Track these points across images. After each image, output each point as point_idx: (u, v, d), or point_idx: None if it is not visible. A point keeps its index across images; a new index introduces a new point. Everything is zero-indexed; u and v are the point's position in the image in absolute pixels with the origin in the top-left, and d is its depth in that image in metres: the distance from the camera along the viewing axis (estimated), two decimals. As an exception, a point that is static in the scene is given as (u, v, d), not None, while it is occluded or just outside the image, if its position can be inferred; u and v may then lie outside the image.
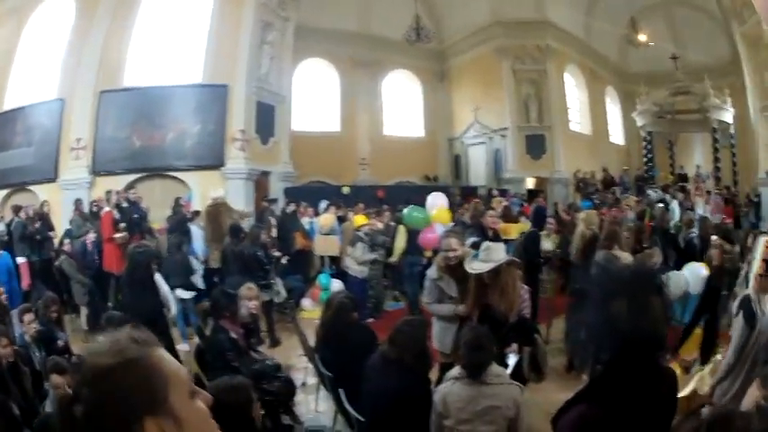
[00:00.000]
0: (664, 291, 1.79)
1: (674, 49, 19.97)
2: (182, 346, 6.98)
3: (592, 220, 6.86)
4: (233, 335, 4.80)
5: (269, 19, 14.49)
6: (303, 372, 6.20)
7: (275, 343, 7.55)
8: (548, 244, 8.70)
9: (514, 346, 3.94)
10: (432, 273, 4.63)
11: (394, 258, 9.07)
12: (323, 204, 11.82)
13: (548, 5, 19.53)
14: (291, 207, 11.65)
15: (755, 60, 15.80)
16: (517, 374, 3.72)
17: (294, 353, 6.82)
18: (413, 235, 8.54)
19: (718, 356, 4.55)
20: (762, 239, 4.51)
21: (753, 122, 17.09)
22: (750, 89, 16.56)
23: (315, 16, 17.20)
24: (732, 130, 18.82)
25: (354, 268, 8.75)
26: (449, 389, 3.11)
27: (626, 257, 5.53)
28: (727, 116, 18.48)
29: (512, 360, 3.88)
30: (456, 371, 3.19)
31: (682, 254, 8.32)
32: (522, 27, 19.31)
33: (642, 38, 19.50)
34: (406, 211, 9.09)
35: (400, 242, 8.89)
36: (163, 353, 1.00)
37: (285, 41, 15.36)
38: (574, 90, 21.71)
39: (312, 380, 5.86)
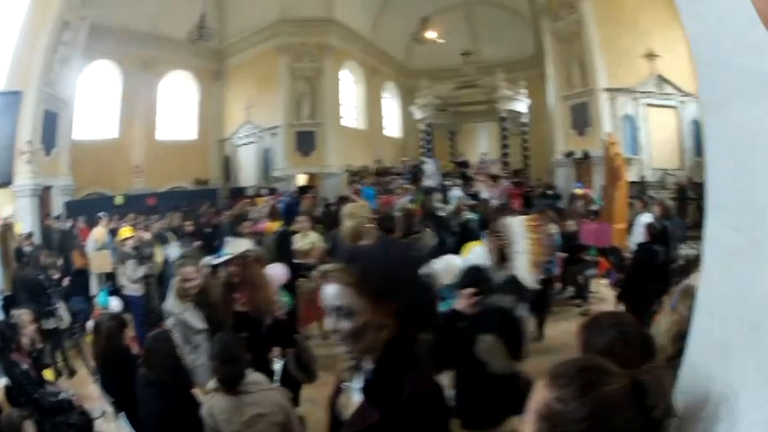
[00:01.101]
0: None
1: (468, 46, 21.12)
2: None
3: (357, 213, 6.47)
4: (24, 366, 4.63)
5: (68, 17, 13.46)
6: (100, 400, 5.38)
7: (72, 373, 7.19)
8: (305, 241, 7.83)
9: (276, 350, 3.75)
10: (172, 307, 4.15)
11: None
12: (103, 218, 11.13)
13: (337, 5, 19.86)
14: (68, 223, 11.10)
15: (564, 54, 17.37)
16: (288, 378, 3.56)
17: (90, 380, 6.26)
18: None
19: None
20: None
21: (551, 110, 18.64)
22: (553, 80, 18.06)
23: (108, 14, 16.13)
24: (525, 119, 20.00)
25: (129, 286, 8.17)
26: (211, 402, 3.01)
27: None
28: (520, 106, 19.57)
29: (277, 365, 3.70)
30: (213, 383, 3.09)
31: (459, 237, 8.06)
32: (306, 25, 19.52)
33: (430, 35, 20.29)
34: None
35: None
36: None
37: (78, 41, 14.55)
38: (352, 86, 21.99)
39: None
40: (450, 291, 4.38)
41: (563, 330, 6.96)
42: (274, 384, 3.43)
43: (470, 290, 3.26)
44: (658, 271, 5.49)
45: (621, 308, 6.26)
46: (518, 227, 4.14)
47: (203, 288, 4.10)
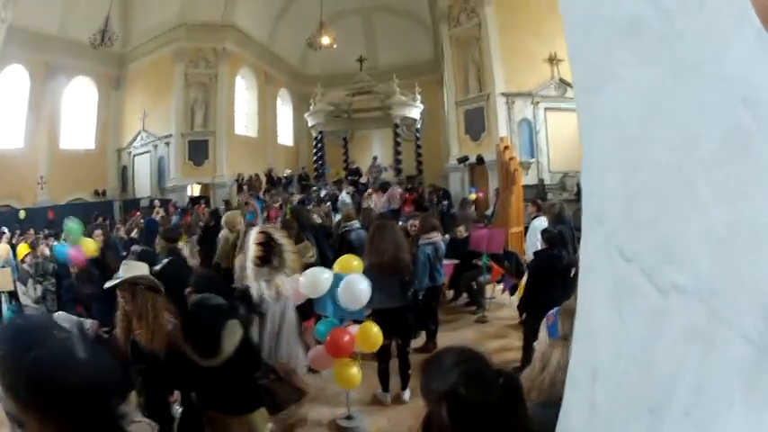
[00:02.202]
0: None
1: (365, 52, 21.02)
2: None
3: (234, 222, 6.51)
4: None
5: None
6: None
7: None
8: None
9: (176, 394, 3.41)
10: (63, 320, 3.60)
11: None
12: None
13: (237, 10, 19.60)
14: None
15: (462, 59, 17.41)
16: (190, 424, 3.25)
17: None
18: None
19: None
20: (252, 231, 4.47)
21: (446, 115, 18.88)
22: (449, 85, 18.16)
23: (24, 17, 15.51)
24: (418, 125, 19.94)
25: (32, 306, 7.75)
26: None
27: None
28: (414, 112, 19.43)
29: (177, 411, 3.38)
30: None
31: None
32: (204, 30, 19.18)
33: (325, 41, 20.36)
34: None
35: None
36: None
37: None
38: (244, 93, 21.66)
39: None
40: (321, 306, 4.45)
41: (457, 339, 6.74)
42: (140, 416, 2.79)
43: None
44: (561, 277, 5.32)
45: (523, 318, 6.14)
46: (251, 238, 4.24)
47: None
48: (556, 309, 2.08)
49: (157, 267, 5.01)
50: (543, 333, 2.11)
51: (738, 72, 0.68)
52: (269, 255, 4.21)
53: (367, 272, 4.62)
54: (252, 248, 4.21)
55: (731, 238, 0.67)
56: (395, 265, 4.91)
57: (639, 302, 0.79)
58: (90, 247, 6.64)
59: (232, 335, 3.08)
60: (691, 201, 0.70)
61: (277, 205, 13.20)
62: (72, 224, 7.17)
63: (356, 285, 4.35)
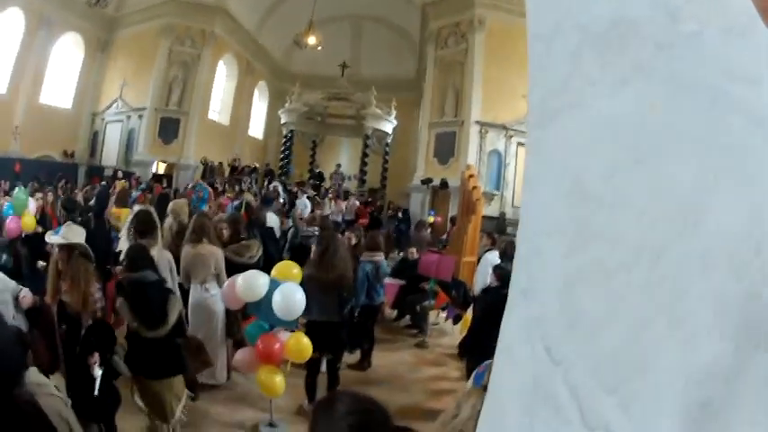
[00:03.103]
0: None
1: (348, 59, 20.93)
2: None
3: (181, 211, 6.32)
4: None
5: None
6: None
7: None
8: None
9: (96, 356, 3.45)
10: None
11: None
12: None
13: None
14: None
15: (443, 82, 17.30)
16: (110, 387, 3.48)
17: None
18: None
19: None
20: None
21: (418, 135, 18.64)
22: (425, 105, 18.01)
23: None
24: (389, 140, 19.88)
25: None
26: None
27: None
28: (387, 126, 19.38)
29: (98, 372, 3.42)
30: None
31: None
32: (195, 9, 18.91)
33: (311, 40, 20.14)
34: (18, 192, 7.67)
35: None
36: None
37: None
38: (223, 80, 21.45)
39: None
40: (254, 308, 4.42)
41: (394, 361, 6.61)
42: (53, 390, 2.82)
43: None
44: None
45: (463, 364, 5.78)
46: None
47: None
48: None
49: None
50: (470, 380, 2.01)
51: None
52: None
53: (307, 282, 4.48)
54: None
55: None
56: (338, 281, 4.82)
57: (558, 427, 0.56)
58: (28, 223, 6.57)
59: (175, 308, 3.57)
60: (668, 313, 0.47)
61: (231, 195, 12.78)
62: (21, 195, 7.21)
63: (292, 295, 4.21)
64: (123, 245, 4.85)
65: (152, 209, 5.80)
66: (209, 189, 12.28)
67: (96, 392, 3.39)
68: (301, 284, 4.35)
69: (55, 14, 18.02)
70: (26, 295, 3.67)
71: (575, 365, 0.54)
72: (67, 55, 19.43)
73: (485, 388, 1.70)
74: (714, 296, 0.46)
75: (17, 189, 7.83)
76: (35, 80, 18.20)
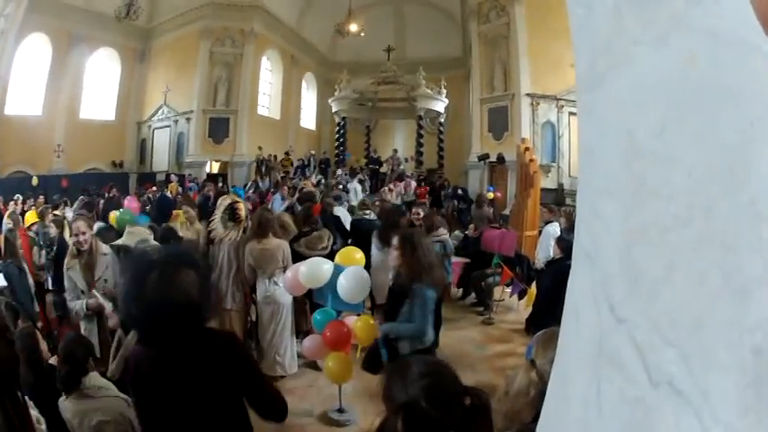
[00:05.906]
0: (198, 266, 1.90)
1: (392, 42, 20.79)
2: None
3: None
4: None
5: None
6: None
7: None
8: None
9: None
10: (67, 261, 4.14)
11: None
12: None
13: None
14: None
15: (489, 57, 17.24)
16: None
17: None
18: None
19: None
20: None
21: (470, 112, 18.57)
22: (474, 82, 17.96)
23: None
24: (442, 119, 19.72)
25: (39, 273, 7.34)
26: (63, 404, 2.76)
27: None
28: (439, 106, 19.23)
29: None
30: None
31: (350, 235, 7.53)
32: (232, 10, 19.20)
33: (353, 28, 19.86)
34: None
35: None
36: None
37: (18, 13, 14.44)
38: (268, 75, 21.58)
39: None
40: (320, 295, 4.54)
41: (461, 339, 6.61)
42: (116, 391, 3.01)
43: None
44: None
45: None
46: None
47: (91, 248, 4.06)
48: (542, 332, 1.90)
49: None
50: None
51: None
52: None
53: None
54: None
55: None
56: (439, 282, 4.14)
57: (623, 385, 0.57)
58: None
59: None
60: (721, 266, 0.48)
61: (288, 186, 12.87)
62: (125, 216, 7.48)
63: (356, 279, 4.24)
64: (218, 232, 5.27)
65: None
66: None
67: None
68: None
69: (84, 32, 18.44)
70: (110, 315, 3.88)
71: (638, 323, 0.55)
72: (103, 69, 20.01)
73: (533, 362, 1.74)
74: (764, 247, 0.46)
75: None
76: (72, 97, 18.76)
